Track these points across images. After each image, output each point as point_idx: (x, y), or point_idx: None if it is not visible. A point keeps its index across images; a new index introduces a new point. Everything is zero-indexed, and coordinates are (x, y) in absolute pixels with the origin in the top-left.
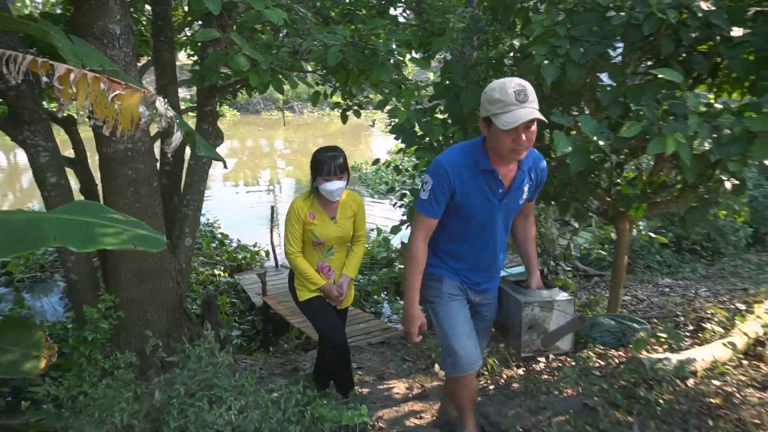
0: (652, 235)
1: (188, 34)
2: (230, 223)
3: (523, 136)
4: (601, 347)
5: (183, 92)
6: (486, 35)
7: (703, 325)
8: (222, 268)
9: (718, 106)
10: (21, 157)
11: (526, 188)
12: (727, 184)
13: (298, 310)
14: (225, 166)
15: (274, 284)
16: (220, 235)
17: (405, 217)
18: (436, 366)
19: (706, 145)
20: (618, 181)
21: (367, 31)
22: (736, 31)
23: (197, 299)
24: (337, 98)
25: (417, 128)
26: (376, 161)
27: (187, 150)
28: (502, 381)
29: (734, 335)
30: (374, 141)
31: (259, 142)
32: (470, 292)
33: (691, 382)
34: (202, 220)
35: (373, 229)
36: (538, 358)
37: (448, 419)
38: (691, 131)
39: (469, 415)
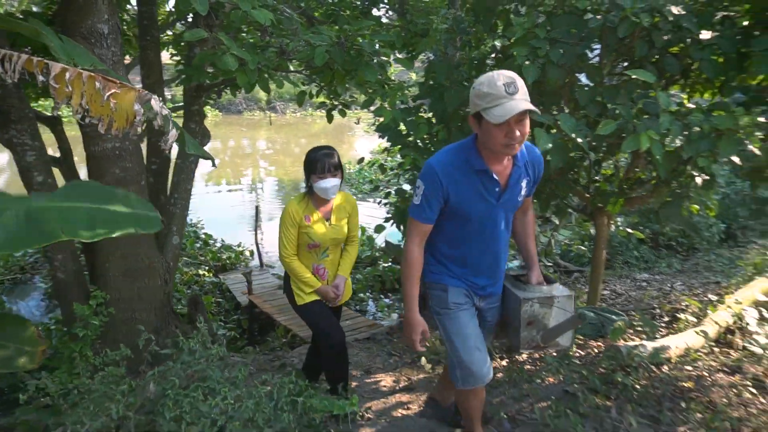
0: (630, 230)
1: (169, 33)
2: (213, 223)
3: (516, 130)
4: (581, 338)
5: (164, 92)
6: (468, 36)
7: (678, 316)
8: (206, 268)
9: (691, 105)
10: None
11: (524, 184)
12: (698, 180)
13: (285, 308)
14: (213, 165)
15: (260, 283)
16: (204, 235)
17: (389, 215)
18: (423, 359)
19: (678, 142)
20: (596, 178)
21: (353, 31)
22: (705, 34)
23: (182, 299)
24: (321, 98)
25: (402, 127)
26: (361, 160)
27: (174, 148)
28: None
29: (706, 324)
30: (357, 141)
31: (241, 142)
32: (476, 297)
33: (665, 367)
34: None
35: None
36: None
37: (435, 409)
38: (663, 129)
39: (477, 424)
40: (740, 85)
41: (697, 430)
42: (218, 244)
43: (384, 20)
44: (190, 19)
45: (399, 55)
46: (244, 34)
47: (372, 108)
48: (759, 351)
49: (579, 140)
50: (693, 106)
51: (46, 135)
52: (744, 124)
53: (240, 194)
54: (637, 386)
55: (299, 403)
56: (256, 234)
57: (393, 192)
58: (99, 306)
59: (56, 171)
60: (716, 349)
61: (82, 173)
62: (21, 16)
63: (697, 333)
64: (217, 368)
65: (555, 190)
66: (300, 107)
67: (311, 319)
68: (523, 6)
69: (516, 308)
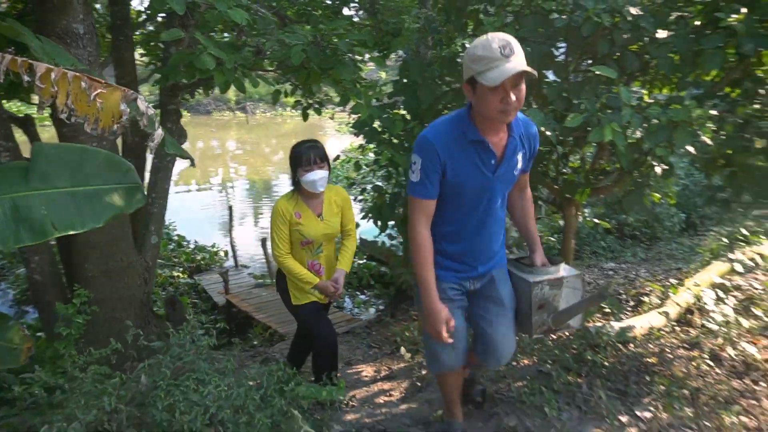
0: (597, 221)
1: (137, 34)
2: (185, 225)
3: (512, 95)
4: None
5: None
6: (440, 35)
7: (643, 299)
8: (181, 269)
9: (651, 100)
10: None
11: (519, 157)
12: (657, 169)
13: (263, 306)
14: (193, 164)
15: (237, 282)
16: (176, 237)
17: (363, 212)
18: (402, 349)
19: (638, 134)
20: (564, 170)
21: (329, 30)
22: (661, 33)
23: (157, 301)
24: (296, 97)
25: (377, 124)
26: (337, 157)
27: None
28: None
29: (668, 305)
30: (329, 140)
31: (210, 143)
32: (468, 282)
33: (631, 346)
34: None
35: None
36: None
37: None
38: (625, 121)
39: (455, 405)
40: (695, 81)
41: (660, 399)
42: (192, 246)
43: (355, 19)
44: (159, 19)
45: (372, 54)
46: (213, 34)
47: (348, 106)
48: (715, 327)
49: (548, 133)
50: (652, 101)
51: (20, 136)
52: (696, 117)
53: (210, 195)
54: (606, 363)
55: (287, 390)
56: (230, 234)
57: (370, 188)
58: (83, 305)
59: None
60: (677, 328)
61: None
62: None
63: (659, 314)
64: (205, 360)
65: None
66: (271, 107)
67: (307, 320)
68: (492, 6)
69: (526, 292)
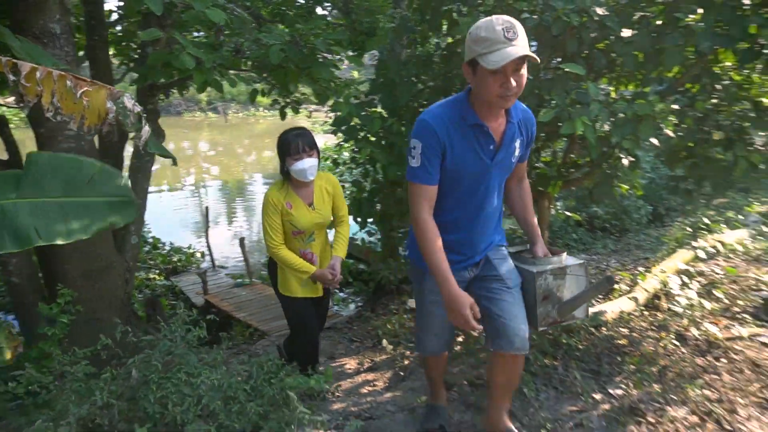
0: (568, 213)
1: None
2: (157, 226)
3: (512, 80)
4: None
5: None
6: (415, 34)
7: (613, 287)
8: (157, 271)
9: (618, 96)
10: None
11: (517, 144)
12: (625, 161)
13: (243, 305)
14: (174, 163)
15: (215, 282)
16: (152, 239)
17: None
18: (384, 341)
19: (606, 127)
20: (537, 164)
21: (306, 30)
22: (626, 32)
23: (135, 303)
24: (270, 97)
25: (356, 121)
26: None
27: (128, 148)
28: None
29: (637, 291)
30: None
31: (181, 144)
32: (467, 272)
33: (603, 329)
34: None
35: None
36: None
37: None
38: (594, 115)
39: (437, 387)
40: (658, 77)
41: (630, 377)
42: (167, 247)
43: (329, 19)
44: (132, 20)
45: (347, 54)
46: (186, 33)
47: (327, 105)
48: (680, 310)
49: None
50: (619, 97)
51: None
52: (659, 111)
53: (182, 196)
54: (580, 346)
55: (276, 381)
56: (207, 235)
57: (348, 184)
58: (67, 304)
59: None
60: (645, 312)
61: None
62: None
63: (629, 299)
64: (195, 354)
65: None
66: (244, 107)
67: (294, 314)
68: (465, 6)
69: (530, 283)
